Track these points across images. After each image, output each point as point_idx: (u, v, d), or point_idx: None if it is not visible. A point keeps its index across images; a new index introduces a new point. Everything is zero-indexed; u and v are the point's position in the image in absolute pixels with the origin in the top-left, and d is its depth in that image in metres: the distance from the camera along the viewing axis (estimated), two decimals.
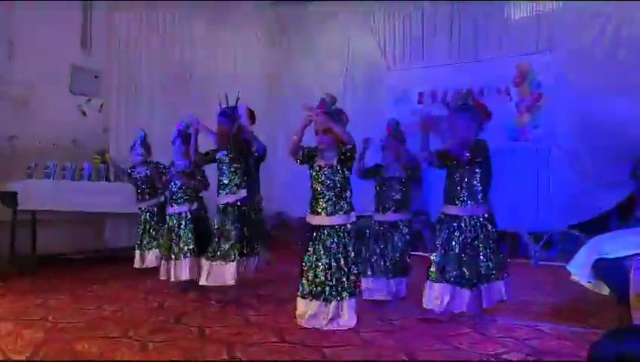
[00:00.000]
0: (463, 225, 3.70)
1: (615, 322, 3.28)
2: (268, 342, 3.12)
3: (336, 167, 3.52)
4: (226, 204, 4.37)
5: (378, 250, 4.31)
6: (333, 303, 3.44)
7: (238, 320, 3.70)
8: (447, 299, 3.62)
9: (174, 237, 4.75)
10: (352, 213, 3.56)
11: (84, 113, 6.91)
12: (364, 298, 4.05)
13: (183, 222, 4.76)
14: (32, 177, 5.75)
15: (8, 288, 4.74)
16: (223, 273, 4.21)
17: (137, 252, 5.50)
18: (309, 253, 3.54)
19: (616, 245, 3.17)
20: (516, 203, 7.18)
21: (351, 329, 3.42)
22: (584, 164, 6.79)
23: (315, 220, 3.56)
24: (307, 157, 3.57)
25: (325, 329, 3.38)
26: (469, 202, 3.72)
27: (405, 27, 8.46)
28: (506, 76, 7.45)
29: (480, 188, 3.73)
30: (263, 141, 4.95)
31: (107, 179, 6.41)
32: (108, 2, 7.10)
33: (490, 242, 3.70)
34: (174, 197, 4.85)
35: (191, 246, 4.67)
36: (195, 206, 4.86)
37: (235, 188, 4.38)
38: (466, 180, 3.73)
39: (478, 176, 3.73)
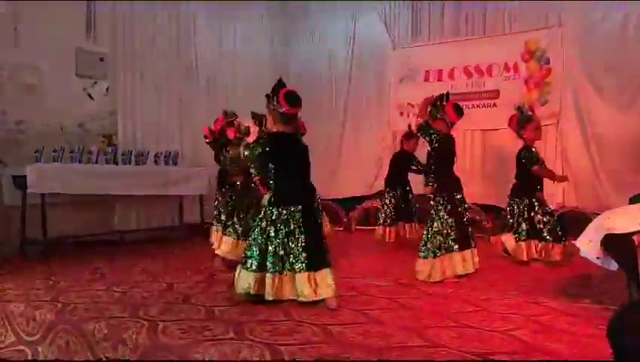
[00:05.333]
0: None
1: (624, 298, 3.27)
2: (275, 321, 3.14)
3: None
4: None
5: None
6: None
7: None
8: None
9: None
10: None
11: (90, 96, 6.88)
12: None
13: None
14: (39, 161, 5.76)
15: (19, 271, 4.79)
16: None
17: None
18: None
19: (624, 220, 3.14)
20: None
21: (356, 307, 3.45)
22: (592, 140, 6.72)
23: None
24: None
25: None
26: None
27: (412, 4, 8.36)
28: (515, 52, 7.35)
29: None
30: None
31: (115, 162, 6.42)
32: None
33: None
34: None
35: None
36: None
37: None
38: None
39: None
